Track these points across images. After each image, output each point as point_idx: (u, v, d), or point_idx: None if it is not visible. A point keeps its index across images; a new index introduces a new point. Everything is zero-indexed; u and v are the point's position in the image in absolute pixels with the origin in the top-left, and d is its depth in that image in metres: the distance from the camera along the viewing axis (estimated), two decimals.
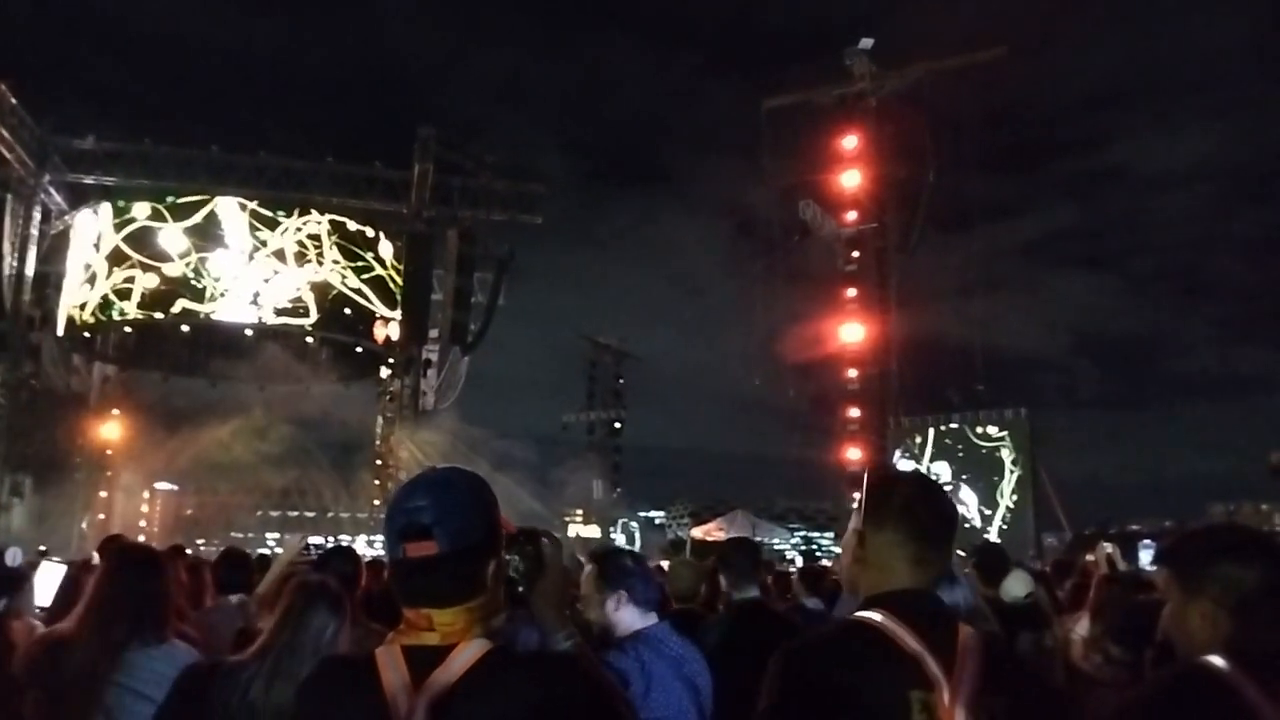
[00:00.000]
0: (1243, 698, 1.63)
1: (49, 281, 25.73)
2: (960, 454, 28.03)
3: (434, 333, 27.06)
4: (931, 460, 28.24)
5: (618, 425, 34.71)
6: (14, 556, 7.52)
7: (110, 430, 26.80)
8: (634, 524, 46.59)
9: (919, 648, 1.71)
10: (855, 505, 2.02)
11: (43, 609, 4.08)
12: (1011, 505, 27.13)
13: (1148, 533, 22.70)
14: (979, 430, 27.87)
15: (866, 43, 29.36)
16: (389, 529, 1.69)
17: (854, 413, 28.94)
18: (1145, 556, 9.19)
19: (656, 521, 64.72)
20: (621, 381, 35.02)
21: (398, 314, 25.85)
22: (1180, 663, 1.81)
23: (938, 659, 1.70)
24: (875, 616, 1.77)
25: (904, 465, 28.61)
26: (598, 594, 3.10)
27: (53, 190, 25.92)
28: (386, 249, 25.98)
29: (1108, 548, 6.47)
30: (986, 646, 1.75)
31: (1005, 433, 27.59)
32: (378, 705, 1.58)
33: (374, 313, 25.37)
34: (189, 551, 9.90)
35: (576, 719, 1.63)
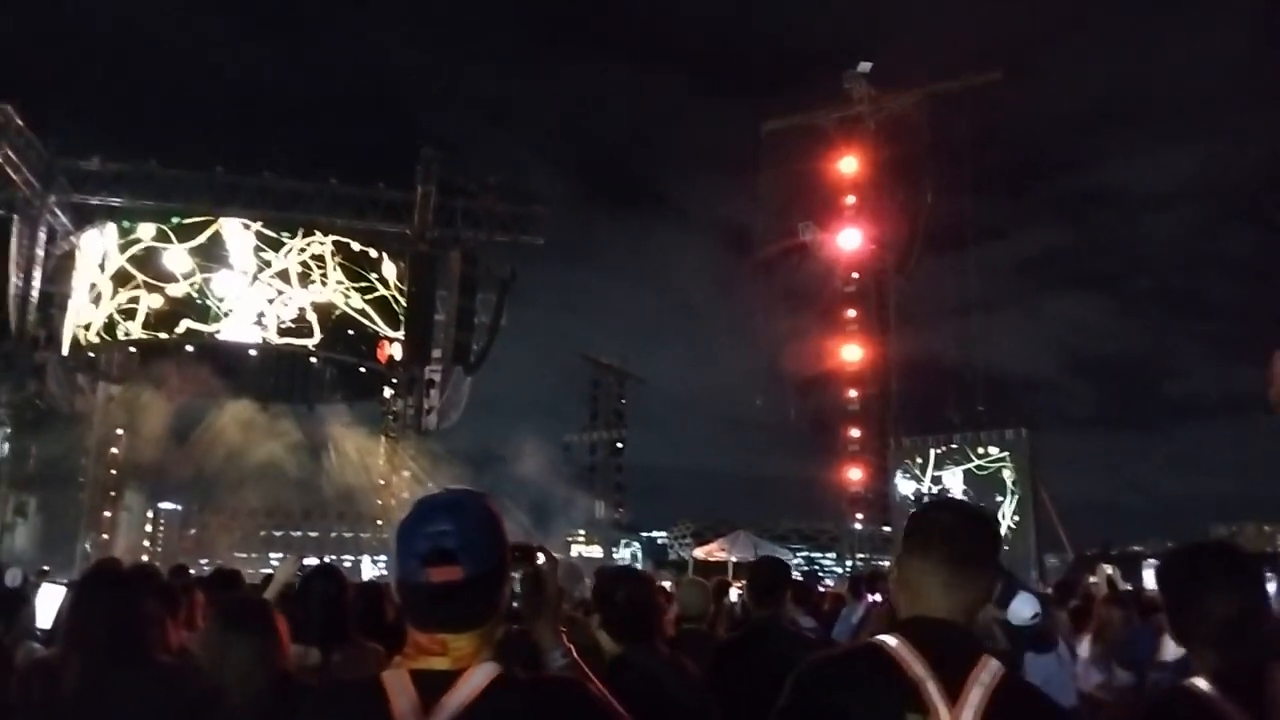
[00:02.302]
0: (1223, 715, 1.73)
1: (54, 301, 25.82)
2: (964, 474, 28.02)
3: (437, 353, 27.11)
4: (936, 469, 28.21)
5: (619, 445, 34.73)
6: (14, 578, 7.52)
7: (114, 450, 26.85)
8: (636, 544, 46.53)
9: (922, 673, 1.74)
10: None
11: (44, 630, 4.08)
12: (1013, 526, 27.10)
13: (1150, 554, 22.67)
14: (979, 450, 27.88)
15: (865, 66, 29.60)
16: (406, 552, 1.67)
17: (854, 433, 28.98)
18: (1149, 576, 9.19)
19: (659, 541, 64.58)
20: (624, 401, 35.07)
21: (401, 334, 25.94)
22: (1168, 685, 1.91)
23: (944, 687, 1.73)
24: (890, 640, 1.82)
25: (905, 485, 28.63)
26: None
27: (58, 211, 26.05)
28: (390, 269, 26.09)
29: (1108, 569, 6.52)
30: (1004, 681, 1.76)
31: (1006, 453, 27.60)
32: None
33: (377, 333, 25.45)
34: (192, 571, 9.94)
35: None
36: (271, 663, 2.86)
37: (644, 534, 57.86)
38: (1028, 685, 1.85)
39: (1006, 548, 26.61)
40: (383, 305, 25.69)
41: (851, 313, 29.45)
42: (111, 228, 24.82)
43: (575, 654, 1.94)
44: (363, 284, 25.40)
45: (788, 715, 1.84)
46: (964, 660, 1.78)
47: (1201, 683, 1.79)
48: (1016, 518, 27.12)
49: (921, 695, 1.72)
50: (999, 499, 27.41)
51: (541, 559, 1.92)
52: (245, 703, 2.76)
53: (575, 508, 33.99)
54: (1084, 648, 6.04)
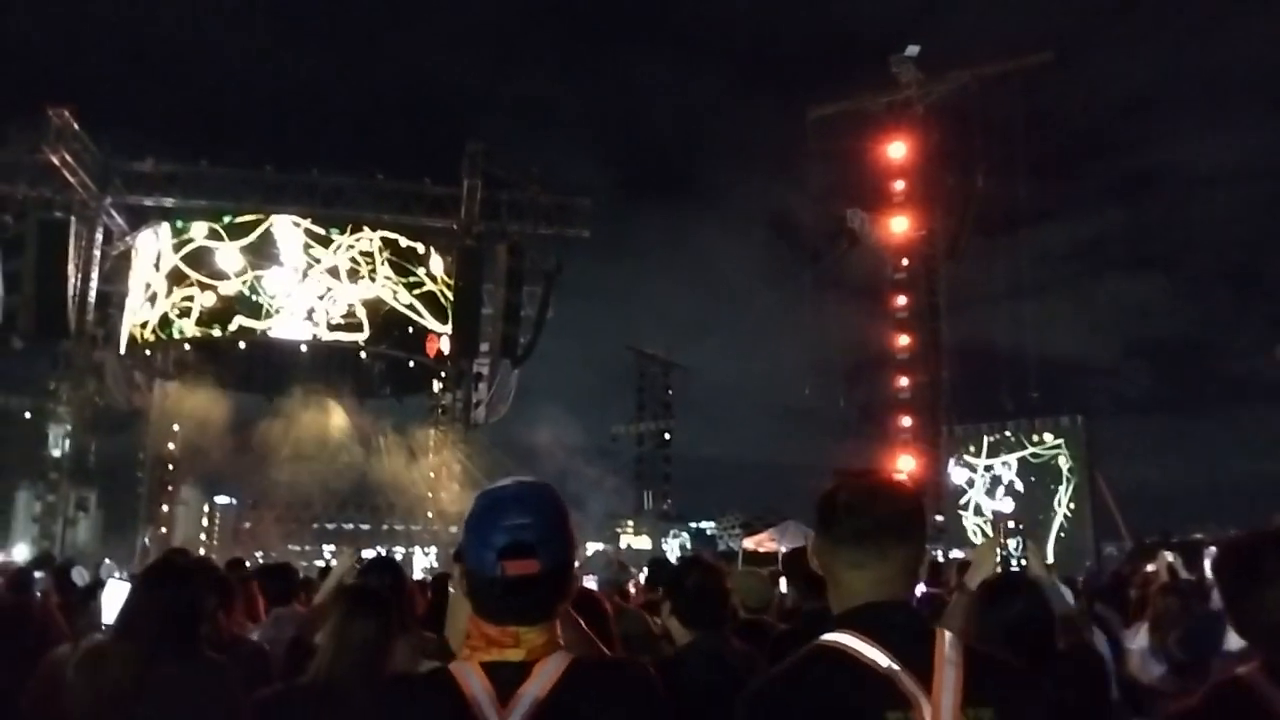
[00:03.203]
0: (1273, 708, 1.73)
1: (111, 301, 26.40)
2: (1019, 461, 27.62)
3: (484, 346, 27.29)
4: (989, 456, 27.84)
5: (667, 436, 34.71)
6: (80, 576, 7.70)
7: (170, 446, 27.41)
8: (685, 534, 46.51)
9: (890, 665, 1.59)
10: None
11: (109, 626, 4.16)
12: (1069, 514, 26.66)
13: (1212, 541, 22.13)
14: (1034, 438, 27.45)
15: (913, 50, 29.19)
16: (481, 543, 1.66)
17: (905, 421, 28.67)
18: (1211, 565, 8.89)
19: (708, 532, 64.48)
20: (670, 392, 35.05)
21: (449, 328, 26.12)
22: (1223, 675, 1.89)
23: (913, 674, 1.58)
24: (840, 638, 1.64)
25: (957, 474, 28.28)
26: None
27: (114, 212, 26.60)
28: (437, 264, 26.29)
29: (1169, 557, 6.35)
30: (967, 654, 1.64)
31: (1061, 440, 27.14)
32: (462, 718, 1.58)
33: (426, 328, 25.67)
34: (247, 564, 10.09)
35: (657, 718, 1.68)
36: (387, 653, 2.94)
37: (692, 524, 57.81)
38: (993, 653, 1.72)
39: (1063, 536, 26.22)
40: (430, 300, 25.90)
41: (901, 299, 29.11)
42: (165, 227, 25.29)
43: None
44: (411, 279, 25.62)
45: None
46: (923, 640, 1.63)
47: (1256, 673, 1.78)
48: (1072, 506, 26.66)
49: (897, 689, 1.57)
50: (1054, 487, 26.97)
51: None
52: (368, 694, 2.79)
53: (623, 499, 34.09)
54: (1141, 638, 5.89)
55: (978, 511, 27.73)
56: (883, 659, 1.59)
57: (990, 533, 25.63)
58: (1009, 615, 2.94)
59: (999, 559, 3.54)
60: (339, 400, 26.46)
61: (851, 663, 1.60)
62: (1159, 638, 5.67)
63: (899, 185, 29.27)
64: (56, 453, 25.71)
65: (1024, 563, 3.57)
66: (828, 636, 1.66)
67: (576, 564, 1.83)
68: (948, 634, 1.67)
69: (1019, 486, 27.40)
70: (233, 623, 4.54)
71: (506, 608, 1.66)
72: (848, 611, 1.68)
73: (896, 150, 29.28)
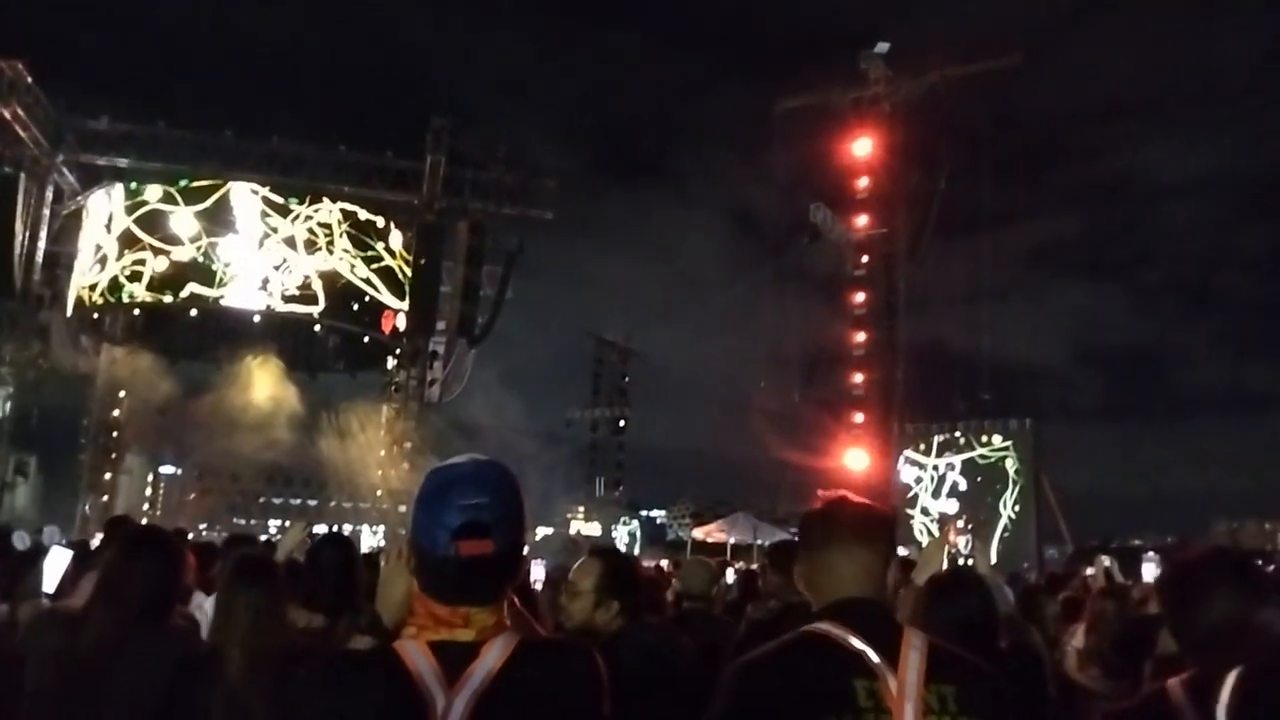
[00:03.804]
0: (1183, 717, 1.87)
1: (59, 261, 25.82)
2: (965, 463, 28.00)
3: (441, 325, 27.11)
4: (938, 456, 28.20)
5: (622, 423, 34.68)
6: (22, 540, 7.64)
7: (115, 412, 26.89)
8: (635, 523, 46.64)
9: (861, 645, 1.82)
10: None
11: (48, 594, 4.12)
12: (1014, 516, 27.08)
13: (1150, 547, 22.65)
14: (983, 439, 27.84)
15: (882, 47, 29.30)
16: (434, 522, 1.63)
17: (858, 418, 28.91)
18: (1148, 570, 9.21)
19: (658, 521, 64.76)
20: (627, 379, 34.98)
21: (406, 305, 25.89)
22: (1154, 685, 2.02)
23: (882, 655, 1.81)
24: (818, 626, 1.89)
25: (907, 471, 28.62)
26: (593, 593, 3.08)
27: (65, 170, 25.99)
28: (396, 239, 26.02)
29: (1105, 561, 6.50)
30: (931, 643, 1.86)
31: (1009, 442, 27.54)
32: (407, 699, 1.56)
33: (382, 303, 25.41)
34: (190, 536, 9.94)
35: (600, 699, 1.68)
36: (275, 621, 2.94)
37: (643, 512, 57.99)
38: (956, 650, 1.91)
39: (1006, 536, 26.64)
40: (388, 275, 25.63)
41: (860, 296, 29.29)
42: (119, 189, 24.75)
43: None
44: (369, 253, 25.34)
45: (730, 710, 1.85)
46: (892, 633, 1.87)
47: (1180, 687, 1.91)
48: (1017, 508, 27.08)
49: (865, 663, 1.80)
50: (1000, 489, 27.37)
51: None
52: (246, 662, 2.82)
53: (575, 484, 34.06)
54: (1077, 639, 6.07)
55: (925, 511, 28.09)
56: (855, 640, 1.83)
57: (937, 532, 26.01)
58: (957, 611, 2.99)
59: (947, 557, 3.63)
60: (290, 373, 26.13)
61: (826, 642, 1.84)
62: (1094, 639, 5.82)
63: (863, 182, 29.40)
64: None
65: (971, 561, 3.65)
66: (807, 626, 1.90)
67: (526, 548, 1.83)
68: (914, 630, 1.90)
69: (964, 487, 27.77)
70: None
71: (458, 588, 1.65)
72: (825, 606, 1.92)
73: (862, 147, 29.42)
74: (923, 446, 28.68)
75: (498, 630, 1.65)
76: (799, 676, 1.82)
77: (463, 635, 1.63)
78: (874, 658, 1.80)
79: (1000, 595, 3.99)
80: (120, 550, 3.22)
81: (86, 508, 25.12)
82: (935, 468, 28.34)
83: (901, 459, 28.69)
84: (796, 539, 2.14)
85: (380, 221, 25.75)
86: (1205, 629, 1.96)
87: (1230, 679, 1.85)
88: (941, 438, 28.52)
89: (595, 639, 3.29)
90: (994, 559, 19.62)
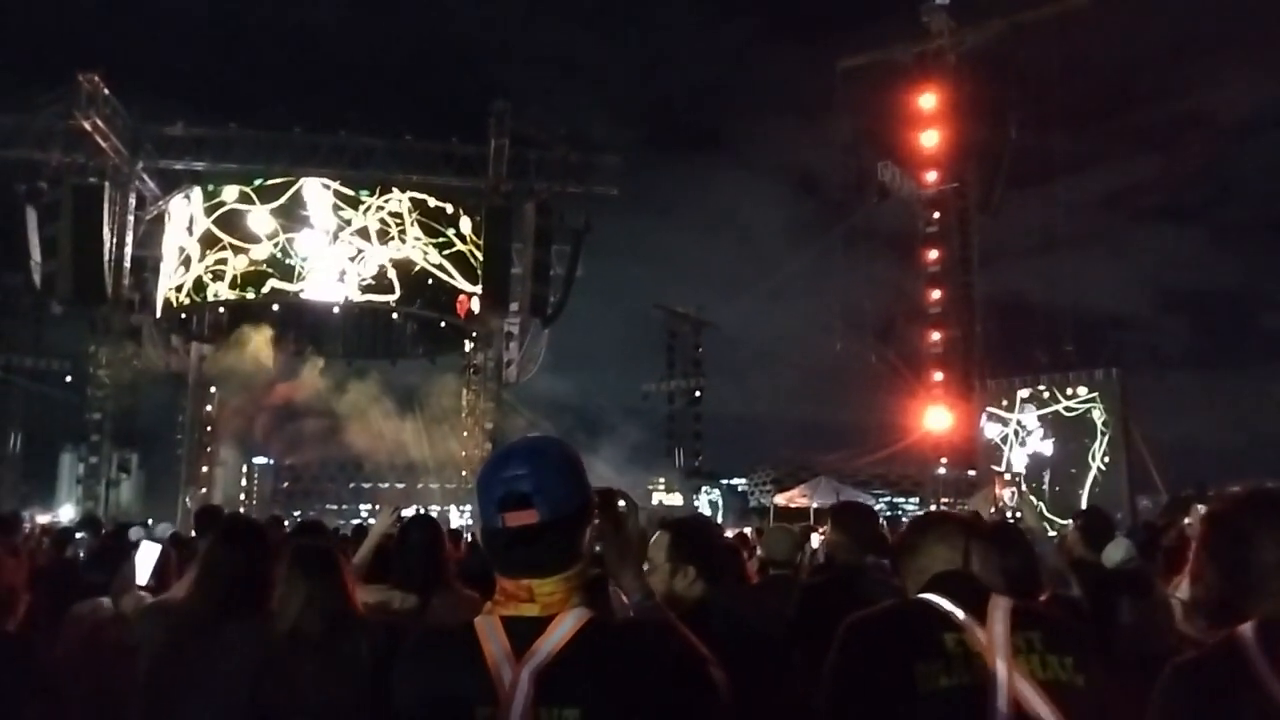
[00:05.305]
0: (1254, 668, 1.74)
1: (146, 265, 26.71)
2: (1050, 415, 27.43)
3: (514, 306, 27.37)
4: (1021, 411, 27.68)
5: (698, 394, 34.64)
6: (137, 534, 8.03)
7: (208, 408, 27.82)
8: (716, 492, 46.67)
9: (950, 606, 2.16)
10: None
11: (142, 586, 4.28)
12: (1103, 467, 26.46)
13: None
14: (1068, 391, 27.20)
15: None
16: (485, 498, 1.69)
17: (938, 376, 28.47)
18: None
19: (739, 489, 64.69)
20: (700, 350, 34.89)
21: (479, 288, 26.20)
22: (1224, 634, 1.88)
23: (969, 614, 2.14)
24: (920, 595, 2.27)
25: (990, 428, 28.13)
26: (668, 564, 3.10)
27: (146, 177, 26.82)
28: (466, 224, 26.32)
29: (1201, 509, 6.32)
30: (1014, 606, 2.17)
31: (1095, 394, 26.87)
32: (481, 674, 1.62)
33: (456, 288, 25.77)
34: (285, 523, 10.27)
35: (674, 685, 1.65)
36: (332, 603, 2.98)
37: (724, 481, 57.94)
38: (1038, 607, 2.32)
39: (1097, 490, 26.06)
40: (460, 260, 25.96)
41: (933, 254, 28.73)
42: (197, 191, 25.47)
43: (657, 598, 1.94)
44: (440, 239, 25.69)
45: (840, 670, 2.19)
46: (979, 596, 2.19)
47: (1247, 632, 1.79)
48: (1107, 459, 26.45)
49: (953, 620, 2.13)
50: (1088, 441, 26.75)
51: (622, 504, 1.91)
52: (305, 640, 2.90)
53: (656, 456, 34.19)
54: (1182, 590, 5.90)
55: (1010, 466, 27.60)
56: (944, 603, 2.17)
57: (1024, 487, 25.58)
58: (998, 565, 2.98)
59: (993, 511, 3.76)
60: (372, 360, 26.70)
61: (921, 605, 2.22)
62: (1200, 589, 5.67)
63: (930, 137, 28.79)
64: (98, 415, 26.17)
65: (1019, 515, 3.70)
66: (918, 595, 2.29)
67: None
68: (999, 597, 2.20)
69: (1051, 439, 27.21)
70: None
71: (514, 560, 1.68)
72: (932, 580, 2.28)
73: (928, 101, 28.78)
74: (1005, 402, 28.13)
75: (565, 604, 1.66)
76: (895, 632, 2.18)
77: (529, 610, 1.66)
78: (960, 615, 2.12)
79: (1046, 548, 3.96)
80: (214, 542, 3.35)
81: (188, 500, 26.07)
82: (1020, 422, 27.81)
83: (984, 416, 28.20)
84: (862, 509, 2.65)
85: (449, 207, 26.07)
86: (1259, 572, 1.86)
87: None
88: (1025, 392, 27.93)
89: (679, 607, 3.32)
90: (1084, 505, 19.19)
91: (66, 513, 24.62)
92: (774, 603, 3.49)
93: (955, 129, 28.72)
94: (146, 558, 4.37)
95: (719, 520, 30.61)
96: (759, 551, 6.65)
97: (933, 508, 29.51)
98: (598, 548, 1.81)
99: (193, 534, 8.21)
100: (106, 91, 24.31)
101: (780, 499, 29.17)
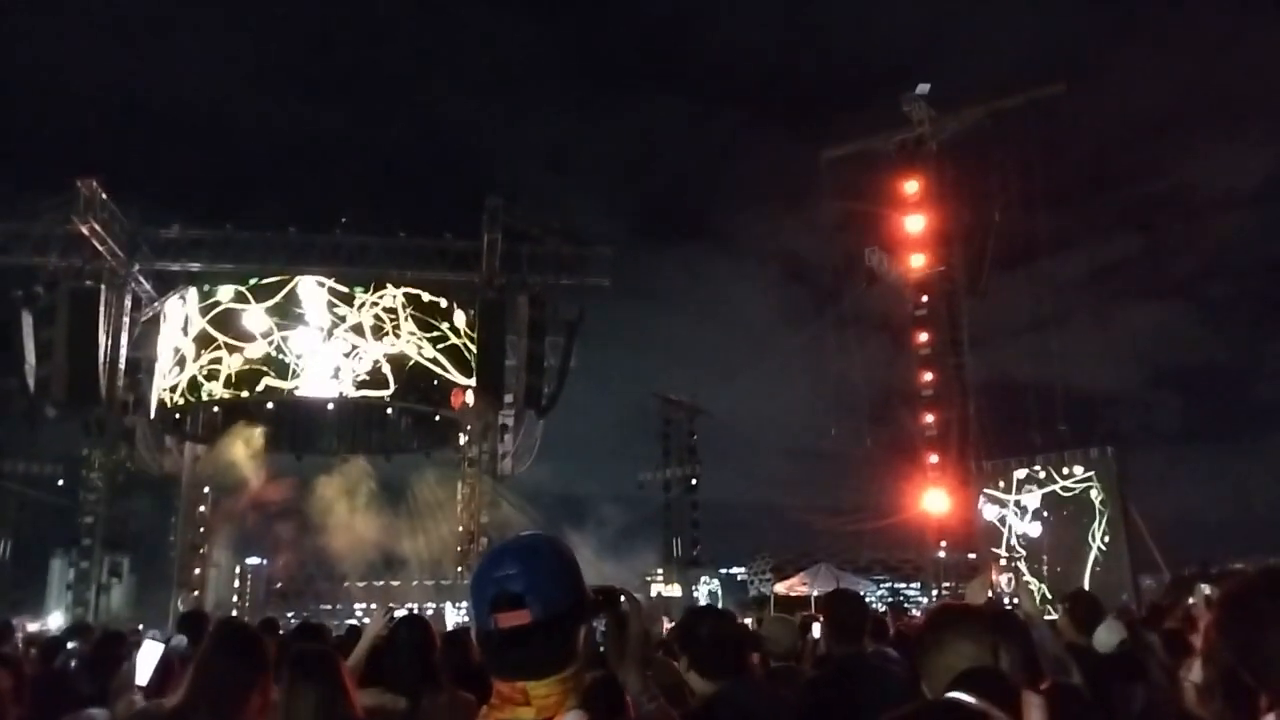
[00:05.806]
0: None
1: (140, 366, 26.75)
2: (1047, 496, 27.30)
3: (509, 398, 27.39)
4: (1019, 492, 27.54)
5: (694, 482, 34.49)
6: (155, 636, 7.88)
7: (201, 509, 27.57)
8: (715, 581, 46.08)
9: (984, 705, 1.98)
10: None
11: (140, 686, 4.21)
12: (1104, 548, 26.24)
13: None
14: (1064, 471, 27.13)
15: (923, 88, 29.36)
16: (477, 598, 1.65)
17: (933, 459, 28.42)
18: None
19: (738, 578, 63.91)
20: (695, 437, 34.86)
21: (473, 381, 26.26)
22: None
23: (1004, 710, 1.99)
24: (948, 694, 2.12)
25: (989, 510, 27.97)
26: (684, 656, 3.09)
27: (142, 279, 27.05)
28: (460, 318, 26.51)
29: (1206, 589, 6.28)
30: (1046, 696, 2.07)
31: (1092, 472, 26.80)
32: None
33: (450, 381, 25.82)
34: (279, 628, 10.08)
35: None
36: (338, 709, 2.95)
37: (723, 570, 57.23)
38: (1071, 692, 2.17)
39: (1098, 570, 25.79)
40: (454, 353, 26.07)
41: (923, 336, 28.97)
42: (193, 292, 25.66)
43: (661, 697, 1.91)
44: (434, 333, 25.84)
45: None
46: (1014, 695, 2.07)
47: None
48: (1107, 539, 26.24)
49: (990, 716, 1.96)
50: (1087, 521, 26.58)
51: (624, 602, 1.89)
52: None
53: (653, 546, 33.86)
54: (1194, 673, 5.83)
55: (1010, 549, 27.37)
56: (977, 701, 2.00)
57: (1025, 568, 25.31)
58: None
59: (989, 597, 3.72)
60: (367, 457, 26.58)
61: (953, 703, 2.03)
62: (1212, 671, 5.59)
63: (916, 222, 29.28)
64: (90, 519, 25.89)
65: (1015, 601, 3.67)
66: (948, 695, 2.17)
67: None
68: (1035, 695, 2.11)
69: (1051, 520, 27.04)
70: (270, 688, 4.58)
71: (507, 662, 1.64)
72: (957, 677, 2.16)
73: (911, 188, 29.34)
74: (1002, 484, 28.02)
75: (560, 707, 1.60)
76: None
77: (524, 714, 1.60)
78: (997, 714, 1.95)
79: (1045, 634, 3.93)
80: (208, 648, 3.27)
81: (179, 603, 25.65)
82: (1018, 503, 27.66)
83: (982, 498, 28.06)
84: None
85: (443, 302, 26.29)
86: (1274, 652, 1.81)
87: None
88: (1021, 473, 27.85)
89: (690, 701, 3.29)
90: (1087, 586, 18.98)
91: (55, 619, 24.18)
92: (780, 697, 3.46)
93: (940, 214, 29.21)
94: (148, 658, 4.30)
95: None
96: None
97: (934, 593, 29.21)
98: (602, 648, 1.79)
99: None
100: (104, 196, 24.67)
101: (780, 587, 28.81)
